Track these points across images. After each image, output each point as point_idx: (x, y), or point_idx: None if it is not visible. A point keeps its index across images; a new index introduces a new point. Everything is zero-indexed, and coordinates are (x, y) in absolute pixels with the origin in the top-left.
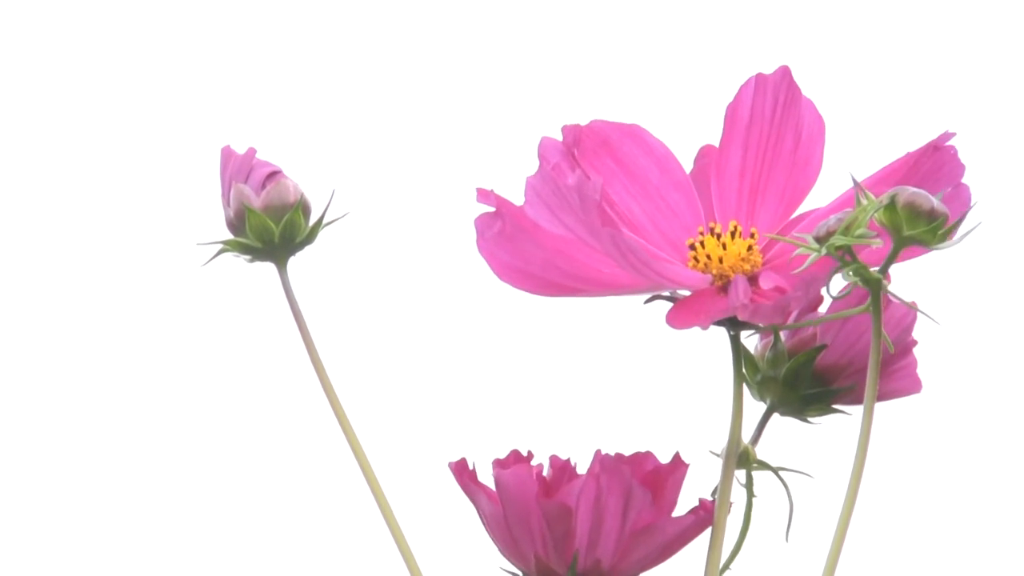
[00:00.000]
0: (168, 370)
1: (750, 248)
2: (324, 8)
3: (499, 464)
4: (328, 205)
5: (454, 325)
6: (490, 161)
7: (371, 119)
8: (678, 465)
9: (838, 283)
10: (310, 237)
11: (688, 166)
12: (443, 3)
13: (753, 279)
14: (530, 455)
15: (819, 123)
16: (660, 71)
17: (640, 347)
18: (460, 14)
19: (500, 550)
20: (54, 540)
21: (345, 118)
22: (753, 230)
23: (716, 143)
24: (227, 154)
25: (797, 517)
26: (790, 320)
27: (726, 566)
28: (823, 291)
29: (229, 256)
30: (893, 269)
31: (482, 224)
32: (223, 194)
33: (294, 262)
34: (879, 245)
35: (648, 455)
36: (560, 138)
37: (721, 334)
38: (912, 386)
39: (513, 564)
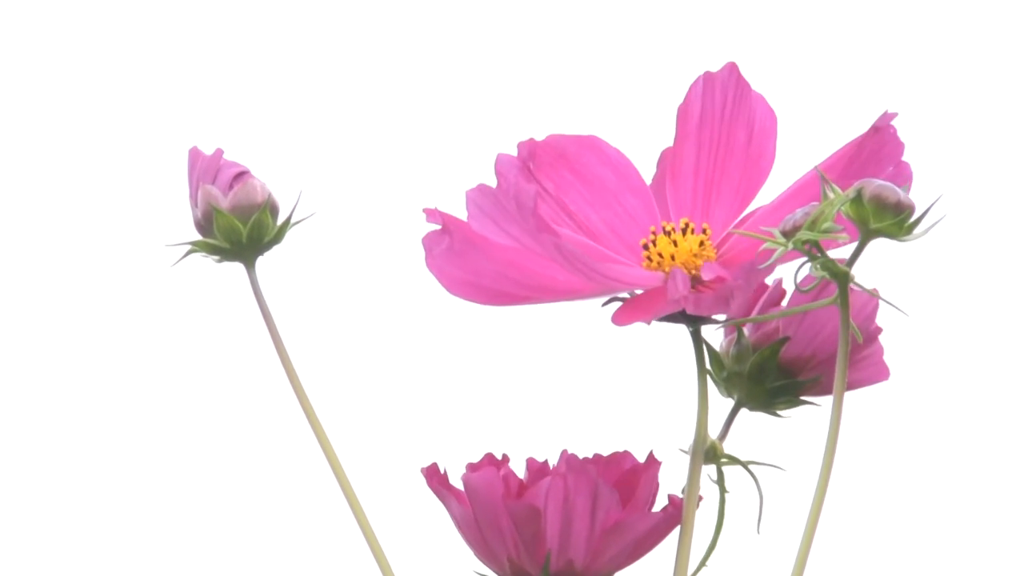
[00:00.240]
0: (138, 370)
1: (702, 244)
2: (289, 8)
3: (471, 468)
4: (296, 205)
5: (424, 325)
6: (456, 160)
7: (338, 119)
8: (651, 463)
9: (804, 275)
10: (278, 237)
11: (651, 172)
12: (407, 4)
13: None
14: (505, 458)
15: (771, 117)
16: (619, 80)
17: (609, 349)
18: (425, 16)
19: (474, 553)
20: (15, 539)
21: (312, 118)
22: (705, 225)
23: None
24: (194, 155)
25: (772, 510)
26: (755, 313)
27: (702, 563)
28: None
29: (198, 256)
30: (860, 264)
31: (430, 242)
32: (191, 195)
33: (262, 262)
34: (846, 240)
35: (625, 454)
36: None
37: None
38: (879, 374)
39: (487, 567)
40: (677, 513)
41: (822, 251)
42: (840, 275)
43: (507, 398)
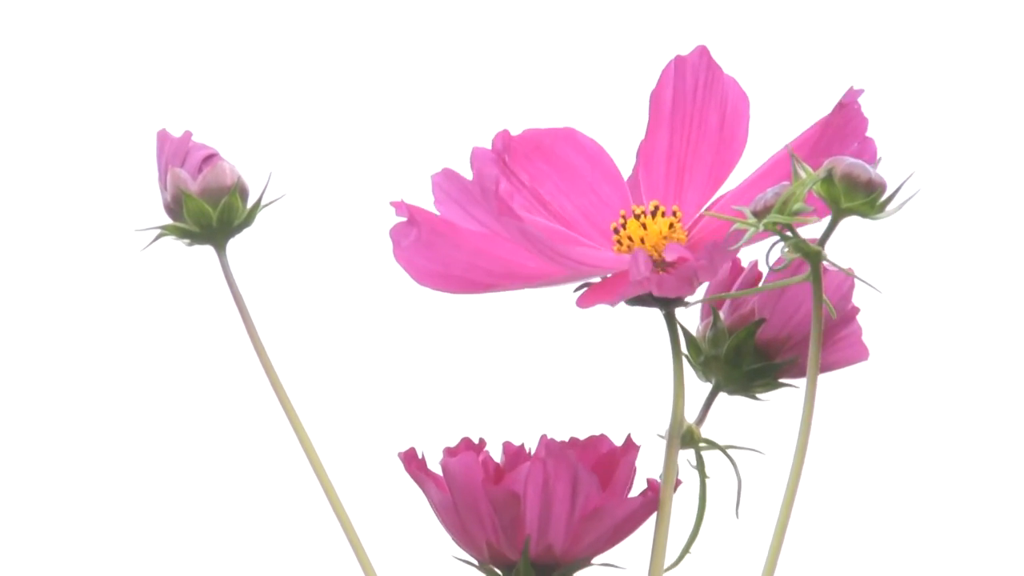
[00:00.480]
0: (109, 356)
1: (671, 226)
2: None
3: (448, 452)
4: (265, 187)
5: (397, 309)
6: (427, 150)
7: (307, 101)
8: (629, 447)
9: (776, 255)
10: (248, 220)
11: (630, 163)
12: None
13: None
14: (482, 443)
15: (743, 100)
16: (597, 76)
17: (584, 334)
18: (399, 4)
19: (453, 539)
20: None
21: (281, 99)
22: (675, 208)
23: None
24: (163, 137)
25: (751, 494)
26: (726, 292)
27: (685, 549)
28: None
29: (168, 240)
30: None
31: (397, 234)
32: (160, 178)
33: (233, 245)
34: (816, 222)
35: (602, 438)
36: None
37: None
38: (858, 354)
39: (466, 552)
40: (656, 498)
41: (794, 231)
42: (812, 254)
43: (483, 384)
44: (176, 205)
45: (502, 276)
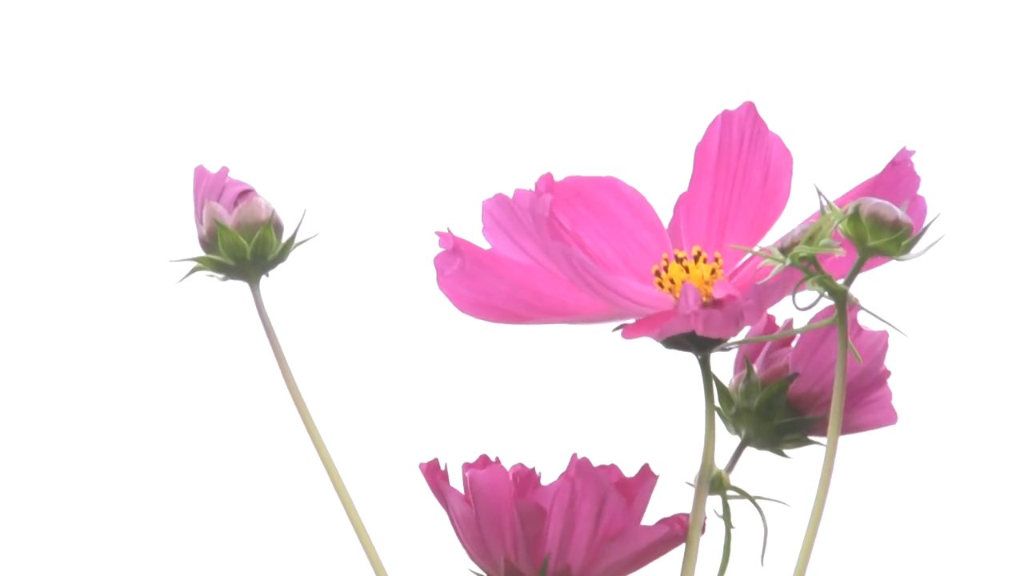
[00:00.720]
0: (142, 386)
1: (713, 272)
2: (296, 27)
3: (474, 466)
4: (300, 224)
5: (426, 345)
6: (461, 177)
7: (344, 140)
8: (647, 476)
9: (805, 299)
10: (282, 255)
11: (668, 214)
12: (417, 22)
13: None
14: (498, 461)
15: (786, 157)
16: (640, 123)
17: (620, 377)
18: (437, 33)
19: (468, 553)
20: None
21: (318, 138)
22: (717, 255)
23: None
24: (200, 173)
25: (773, 546)
26: (765, 350)
27: None
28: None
29: (203, 276)
30: (861, 288)
31: (441, 262)
32: (196, 213)
33: (266, 282)
34: (842, 255)
35: (612, 467)
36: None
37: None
38: (887, 418)
39: (481, 568)
40: (682, 531)
41: (819, 267)
42: (838, 292)
43: (510, 416)
44: (211, 238)
45: (542, 311)
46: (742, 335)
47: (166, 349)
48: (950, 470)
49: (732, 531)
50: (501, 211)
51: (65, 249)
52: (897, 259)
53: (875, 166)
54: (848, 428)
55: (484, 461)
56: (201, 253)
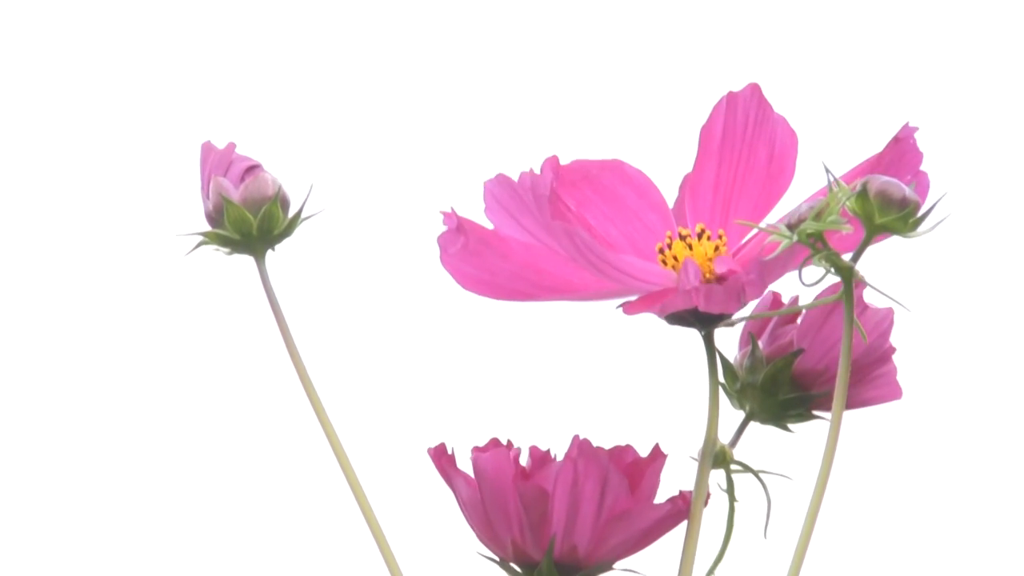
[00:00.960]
0: (147, 361)
1: (717, 248)
2: (302, 6)
3: (478, 450)
4: (306, 199)
5: (432, 320)
6: (466, 157)
7: (351, 116)
8: (656, 456)
9: (811, 275)
10: (288, 230)
11: (672, 196)
12: (426, 3)
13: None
14: (509, 444)
15: (791, 137)
16: (644, 105)
17: (624, 354)
18: (446, 13)
19: (477, 536)
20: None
21: (324, 114)
22: (721, 232)
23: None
24: (207, 149)
25: (777, 520)
26: (771, 327)
27: (711, 572)
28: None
29: (208, 250)
30: (866, 265)
31: (445, 241)
32: (202, 188)
33: (272, 257)
34: (849, 231)
35: (628, 448)
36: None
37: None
38: (892, 393)
39: (490, 549)
40: (685, 508)
41: (826, 244)
42: (844, 269)
43: (519, 392)
44: (217, 213)
45: (546, 288)
46: (747, 311)
47: (172, 323)
48: (955, 446)
49: (736, 504)
50: (503, 191)
51: (72, 227)
52: (904, 237)
53: (877, 145)
54: (853, 403)
55: (494, 444)
56: (208, 228)
